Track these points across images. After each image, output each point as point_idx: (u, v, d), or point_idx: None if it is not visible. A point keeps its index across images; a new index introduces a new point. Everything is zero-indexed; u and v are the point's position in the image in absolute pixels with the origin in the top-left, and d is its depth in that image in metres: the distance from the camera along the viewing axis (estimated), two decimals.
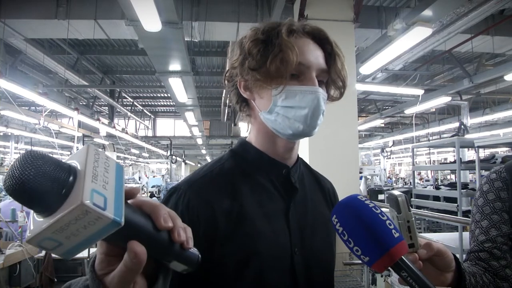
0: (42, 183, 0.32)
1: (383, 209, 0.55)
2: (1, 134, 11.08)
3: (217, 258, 0.67)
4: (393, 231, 0.54)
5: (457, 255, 0.73)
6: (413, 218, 0.62)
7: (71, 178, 0.35)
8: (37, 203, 0.33)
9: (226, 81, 0.81)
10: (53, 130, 8.60)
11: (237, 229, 0.69)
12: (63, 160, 0.36)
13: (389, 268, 0.54)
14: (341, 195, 0.87)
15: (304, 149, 3.61)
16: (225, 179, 0.75)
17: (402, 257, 0.53)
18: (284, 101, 0.71)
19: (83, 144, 11.78)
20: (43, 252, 3.70)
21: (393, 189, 8.61)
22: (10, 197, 0.34)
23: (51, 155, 0.36)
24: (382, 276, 3.21)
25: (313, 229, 0.77)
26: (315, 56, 0.73)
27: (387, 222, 0.54)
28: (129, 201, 0.41)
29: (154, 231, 0.40)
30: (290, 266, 0.72)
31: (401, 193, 0.63)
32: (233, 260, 0.67)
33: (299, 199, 0.78)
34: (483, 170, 4.30)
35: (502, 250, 0.82)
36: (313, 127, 0.73)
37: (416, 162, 10.00)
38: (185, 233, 0.43)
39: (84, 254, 3.86)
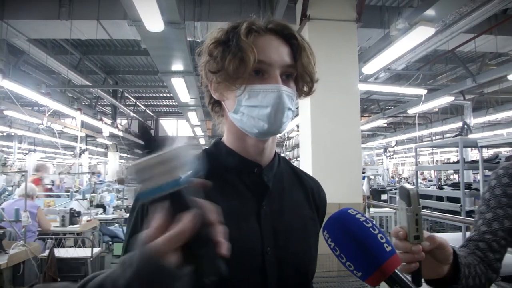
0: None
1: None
2: (5, 134, 11.13)
3: None
4: (385, 244, 0.53)
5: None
6: (421, 212, 0.63)
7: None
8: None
9: (200, 83, 0.81)
10: (56, 130, 8.65)
11: None
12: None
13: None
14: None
15: (306, 150, 3.61)
16: None
17: (395, 270, 0.52)
18: (247, 100, 0.71)
19: (86, 144, 11.73)
20: (47, 252, 3.71)
21: (395, 189, 8.58)
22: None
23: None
24: None
25: (289, 229, 0.76)
26: (279, 52, 0.72)
27: (379, 236, 0.53)
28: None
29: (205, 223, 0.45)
30: (261, 266, 0.71)
31: (412, 187, 0.64)
32: None
33: (275, 198, 0.77)
34: (487, 170, 4.29)
35: (500, 244, 0.87)
36: (278, 125, 0.72)
37: (419, 162, 9.95)
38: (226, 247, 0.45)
39: (87, 254, 3.87)
